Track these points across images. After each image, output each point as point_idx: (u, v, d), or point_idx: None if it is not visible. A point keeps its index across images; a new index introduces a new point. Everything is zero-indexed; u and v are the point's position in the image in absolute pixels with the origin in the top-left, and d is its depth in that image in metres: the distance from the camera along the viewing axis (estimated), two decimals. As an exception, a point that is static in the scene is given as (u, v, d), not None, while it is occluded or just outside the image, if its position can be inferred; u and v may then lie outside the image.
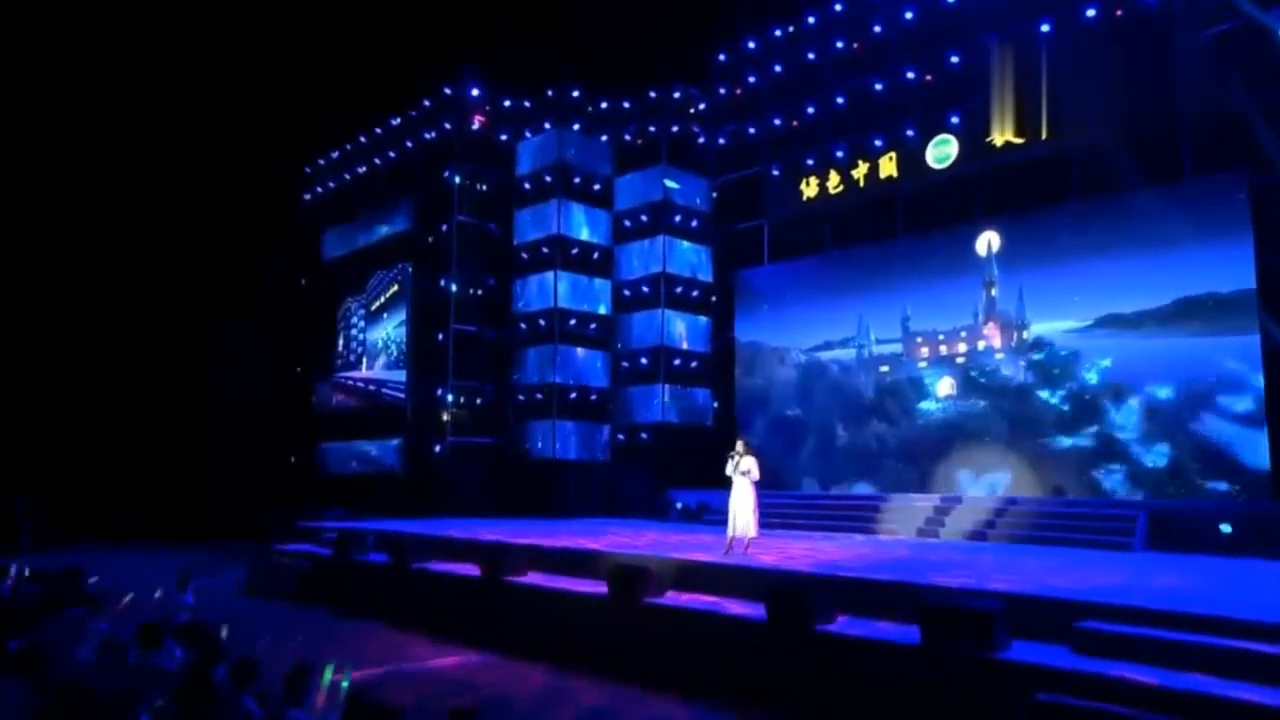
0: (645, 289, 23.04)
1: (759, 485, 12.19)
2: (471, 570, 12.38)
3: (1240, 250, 13.96)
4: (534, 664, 10.03)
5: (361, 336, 27.46)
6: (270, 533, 18.30)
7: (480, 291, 24.06)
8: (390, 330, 26.01)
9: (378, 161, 27.32)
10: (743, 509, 11.89)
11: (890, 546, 13.71)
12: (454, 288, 23.43)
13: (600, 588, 10.54)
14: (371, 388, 26.45)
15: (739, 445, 12.28)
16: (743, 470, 11.96)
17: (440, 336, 23.61)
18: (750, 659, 8.78)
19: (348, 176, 28.63)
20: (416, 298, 24.76)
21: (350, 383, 27.78)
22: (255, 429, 28.65)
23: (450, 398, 23.16)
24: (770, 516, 14.65)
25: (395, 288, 25.95)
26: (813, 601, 8.57)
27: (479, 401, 23.78)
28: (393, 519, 19.49)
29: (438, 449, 23.17)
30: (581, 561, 12.27)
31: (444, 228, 23.85)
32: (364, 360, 27.31)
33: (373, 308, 27.09)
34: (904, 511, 16.49)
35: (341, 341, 28.53)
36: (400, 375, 25.15)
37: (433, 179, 24.49)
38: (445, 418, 23.00)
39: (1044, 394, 16.38)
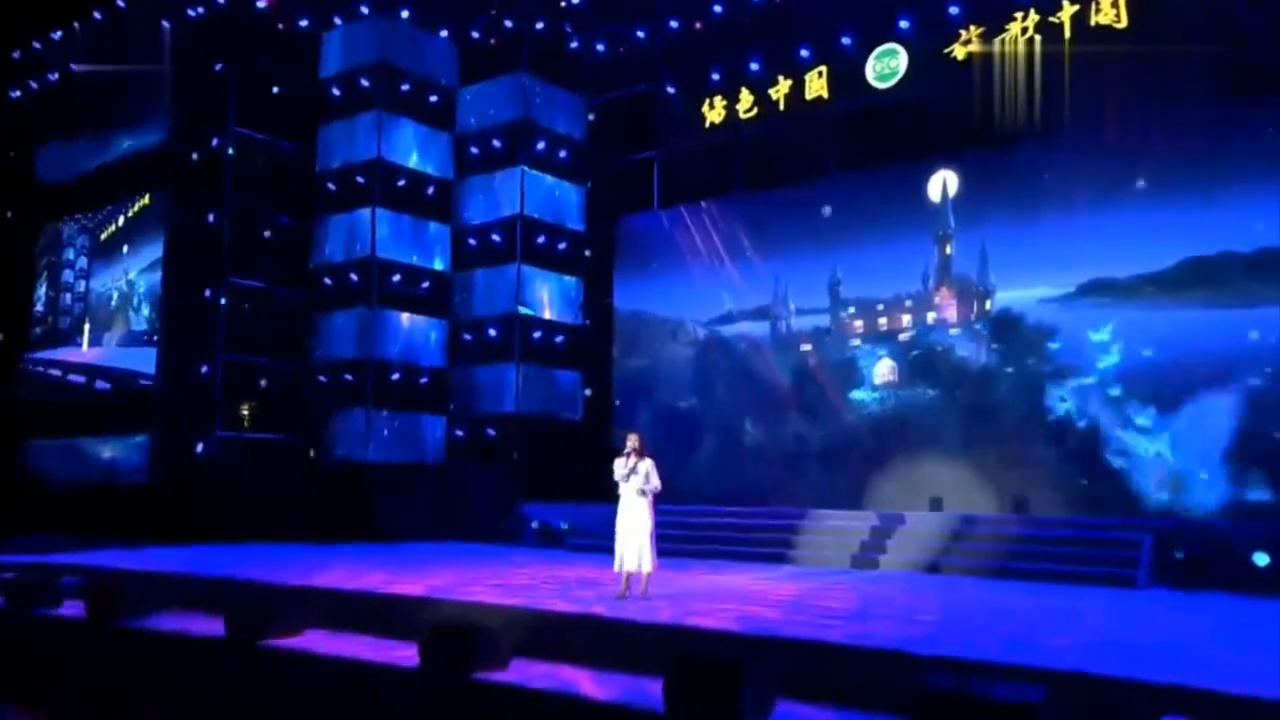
0: (496, 238, 21.86)
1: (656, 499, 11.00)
2: (217, 628, 10.48)
3: (1267, 199, 13.61)
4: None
5: (83, 287, 24.23)
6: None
7: (268, 233, 22.19)
8: (134, 277, 22.74)
9: (120, 47, 24.40)
10: (637, 531, 10.63)
11: (822, 581, 12.83)
12: (229, 226, 21.36)
13: (412, 655, 8.85)
14: (102, 384, 22.85)
15: (632, 440, 10.89)
16: (637, 473, 10.60)
17: (208, 294, 21.50)
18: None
19: (76, 68, 25.39)
20: (173, 238, 22.18)
21: (57, 375, 24.29)
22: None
23: (221, 378, 21.26)
24: (660, 541, 13.00)
25: (144, 201, 22.81)
26: (739, 682, 6.89)
27: (263, 383, 21.97)
28: (131, 547, 17.69)
29: (201, 449, 21.18)
30: (389, 613, 10.73)
31: (215, 142, 21.68)
32: (85, 327, 24.03)
33: (102, 237, 23.95)
34: (833, 534, 15.80)
35: (47, 289, 25.12)
36: (148, 357, 21.87)
37: (200, 75, 22.16)
38: (224, 407, 21.32)
39: (1012, 381, 16.12)
